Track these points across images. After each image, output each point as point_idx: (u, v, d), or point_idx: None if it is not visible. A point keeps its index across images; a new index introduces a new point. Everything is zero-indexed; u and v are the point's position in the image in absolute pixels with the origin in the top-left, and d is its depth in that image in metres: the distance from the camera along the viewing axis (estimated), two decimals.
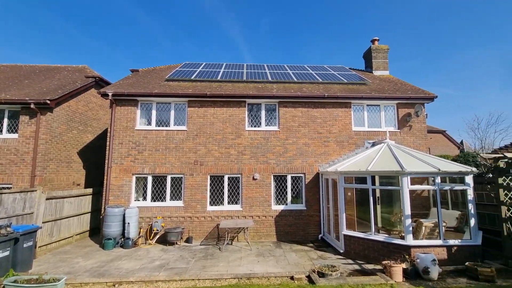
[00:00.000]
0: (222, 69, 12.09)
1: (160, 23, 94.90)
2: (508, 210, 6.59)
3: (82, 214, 9.23)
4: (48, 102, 8.77)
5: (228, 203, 9.21)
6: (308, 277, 5.79)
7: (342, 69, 12.82)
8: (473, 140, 20.07)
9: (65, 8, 72.35)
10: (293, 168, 9.32)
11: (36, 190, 7.58)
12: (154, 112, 9.49)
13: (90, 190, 9.65)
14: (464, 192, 6.97)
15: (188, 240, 8.63)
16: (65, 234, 8.48)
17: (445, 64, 71.24)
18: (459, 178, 7.12)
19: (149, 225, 8.73)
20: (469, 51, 67.32)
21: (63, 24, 69.76)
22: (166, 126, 9.46)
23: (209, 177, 9.21)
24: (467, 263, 5.96)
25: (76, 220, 8.98)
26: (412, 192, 7.69)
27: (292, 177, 9.42)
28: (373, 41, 12.67)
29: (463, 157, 11.10)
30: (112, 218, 8.16)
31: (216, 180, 9.29)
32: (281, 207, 9.18)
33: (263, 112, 9.68)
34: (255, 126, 9.62)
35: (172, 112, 9.52)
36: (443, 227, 6.64)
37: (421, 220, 6.90)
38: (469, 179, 6.84)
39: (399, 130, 9.67)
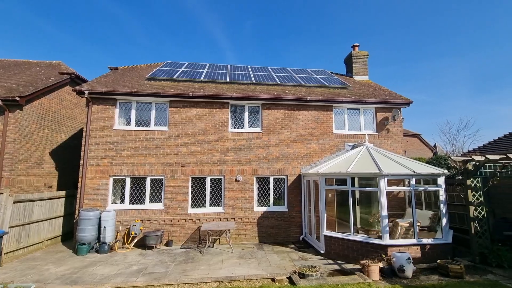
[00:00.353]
0: (205, 69, 11.96)
1: (140, 20, 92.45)
2: (476, 210, 7.02)
3: (53, 218, 8.72)
4: (18, 99, 8.23)
5: (210, 205, 9.08)
6: (289, 278, 5.83)
7: (324, 73, 13.11)
8: (445, 144, 21.25)
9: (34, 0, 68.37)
10: (276, 170, 9.38)
11: (2, 193, 7.08)
12: (133, 112, 9.19)
13: (63, 193, 9.15)
14: (436, 193, 7.34)
15: (168, 244, 8.41)
16: (34, 239, 7.97)
17: (419, 71, 75.07)
18: (432, 179, 7.49)
19: (126, 228, 8.41)
20: (439, 60, 71.47)
21: (31, 16, 65.83)
22: (146, 126, 9.20)
23: (190, 179, 9.05)
24: (438, 261, 6.27)
25: (47, 225, 8.47)
26: (389, 193, 7.98)
27: (274, 179, 9.47)
28: (353, 47, 13.08)
29: (436, 160, 11.69)
30: (87, 222, 7.78)
31: (198, 182, 9.14)
32: (264, 209, 9.20)
33: (246, 114, 9.67)
34: (238, 128, 9.59)
35: (153, 112, 9.27)
36: (417, 227, 6.94)
37: (397, 220, 7.18)
38: (441, 181, 7.21)
39: (377, 133, 10.02)
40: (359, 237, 7.01)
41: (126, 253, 7.80)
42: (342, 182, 7.59)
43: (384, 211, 6.68)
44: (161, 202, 8.86)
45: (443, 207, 7.06)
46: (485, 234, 6.89)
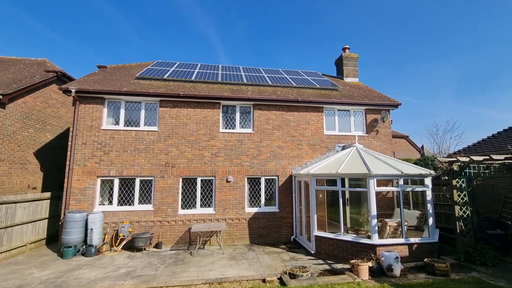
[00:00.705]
0: (196, 69, 11.86)
1: (130, 17, 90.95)
2: (461, 209, 7.22)
3: (38, 220, 8.43)
4: (0, 97, 7.95)
5: (201, 206, 9.00)
6: (280, 279, 5.83)
7: (315, 74, 13.23)
8: (432, 145, 21.74)
9: None
10: (267, 170, 9.38)
11: None
12: (122, 112, 9.01)
13: (48, 194, 8.86)
14: (423, 193, 7.50)
15: (157, 246, 8.27)
16: (17, 243, 7.68)
17: (407, 73, 76.85)
18: (419, 180, 7.66)
19: (115, 230, 8.23)
20: (427, 62, 73.41)
21: (15, 11, 63.82)
22: (136, 126, 9.03)
23: (181, 180, 8.94)
24: (425, 260, 6.41)
25: (30, 227, 8.18)
26: (378, 193, 8.10)
27: (265, 180, 9.48)
28: (344, 49, 13.25)
29: (423, 161, 11.96)
30: (73, 224, 7.56)
31: (189, 183, 9.04)
32: (255, 210, 9.18)
33: (237, 114, 9.64)
34: (229, 128, 9.55)
35: (143, 112, 9.11)
36: (405, 226, 7.08)
37: (386, 220, 7.30)
38: (428, 181, 7.38)
39: (367, 135, 10.18)
40: (349, 237, 7.08)
41: (114, 255, 7.63)
42: (332, 182, 7.66)
43: (373, 211, 6.79)
44: (151, 203, 8.71)
45: (430, 207, 7.23)
46: (469, 233, 7.09)
